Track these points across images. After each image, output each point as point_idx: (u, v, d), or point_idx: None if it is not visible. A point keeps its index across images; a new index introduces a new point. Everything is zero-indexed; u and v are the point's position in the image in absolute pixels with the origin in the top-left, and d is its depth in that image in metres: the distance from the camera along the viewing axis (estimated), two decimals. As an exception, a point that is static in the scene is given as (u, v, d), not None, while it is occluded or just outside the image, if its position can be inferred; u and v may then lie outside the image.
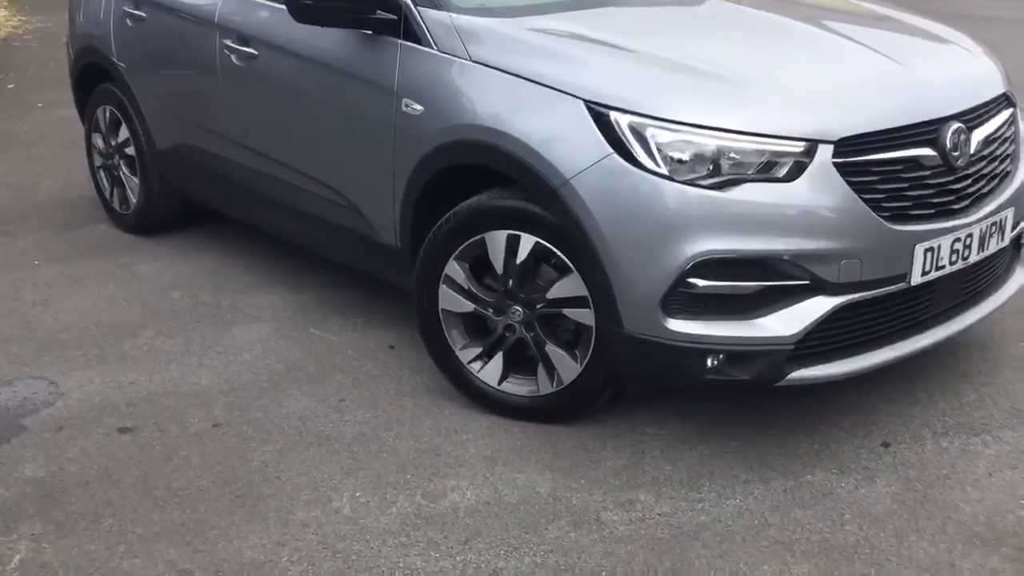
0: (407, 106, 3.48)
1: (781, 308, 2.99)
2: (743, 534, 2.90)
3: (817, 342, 3.05)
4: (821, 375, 3.07)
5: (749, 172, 2.95)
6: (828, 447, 3.30)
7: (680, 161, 2.95)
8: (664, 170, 2.95)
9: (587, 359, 3.26)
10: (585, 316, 3.22)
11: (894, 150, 3.06)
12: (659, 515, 2.99)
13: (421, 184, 3.49)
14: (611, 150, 3.00)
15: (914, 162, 3.09)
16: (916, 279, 3.12)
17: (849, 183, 2.97)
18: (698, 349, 3.01)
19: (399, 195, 3.59)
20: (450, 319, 3.49)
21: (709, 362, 3.02)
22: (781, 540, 2.87)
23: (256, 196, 4.31)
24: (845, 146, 2.98)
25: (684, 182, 2.94)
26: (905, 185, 3.08)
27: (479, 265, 3.41)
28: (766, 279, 2.97)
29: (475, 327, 3.49)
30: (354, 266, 4.14)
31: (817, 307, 3.00)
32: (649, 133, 2.97)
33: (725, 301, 3.00)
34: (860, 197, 2.98)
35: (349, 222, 3.86)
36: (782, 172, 2.95)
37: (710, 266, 2.94)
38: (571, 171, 3.04)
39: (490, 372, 3.46)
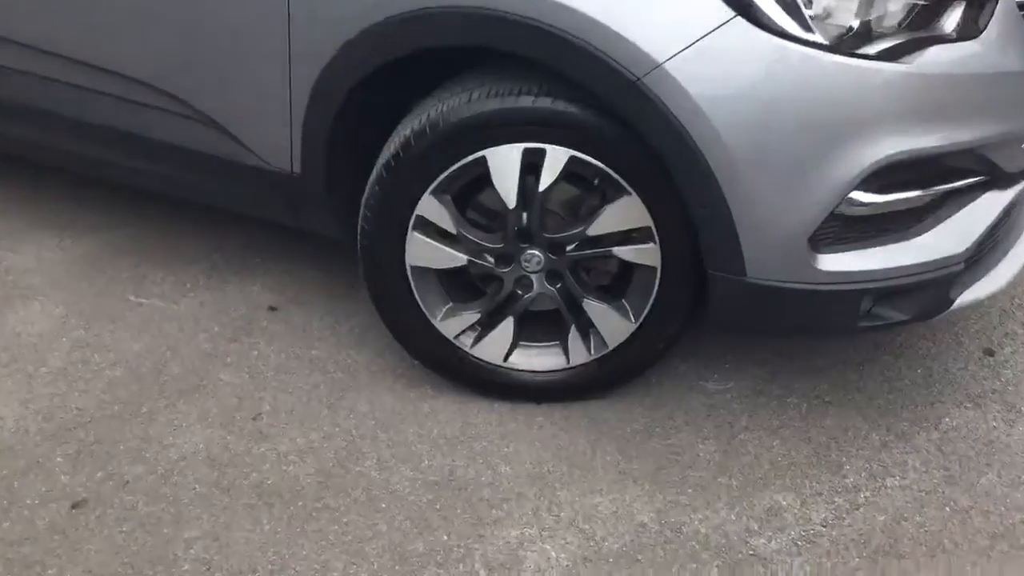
0: (311, -47, 2.17)
1: (946, 217, 2.16)
2: (952, 536, 2.12)
3: (980, 252, 2.26)
4: (985, 293, 2.27)
5: (915, 26, 2.01)
6: (931, 370, 2.58)
7: (839, 22, 1.95)
8: (820, 37, 1.94)
9: (646, 313, 2.28)
10: (647, 255, 2.21)
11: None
12: (822, 527, 2.14)
13: (349, 80, 2.24)
14: (732, 12, 1.93)
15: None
16: (1064, 153, 2.39)
17: (1032, 33, 2.13)
18: (852, 291, 2.12)
19: (301, 98, 2.31)
20: (424, 279, 2.34)
21: (864, 305, 2.14)
22: (1001, 533, 2.13)
23: (25, 111, 2.74)
24: (1025, -21, 2.12)
25: (849, 53, 1.95)
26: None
27: (460, 198, 2.28)
28: (947, 181, 2.11)
29: (460, 286, 2.38)
30: (211, 203, 2.77)
31: (988, 208, 2.19)
32: (793, -18, 1.93)
33: (882, 220, 2.11)
34: (1042, 51, 2.15)
35: (199, 143, 2.50)
36: (952, 24, 2.05)
37: (883, 173, 2.02)
38: (663, 53, 1.94)
39: (491, 346, 2.38)
